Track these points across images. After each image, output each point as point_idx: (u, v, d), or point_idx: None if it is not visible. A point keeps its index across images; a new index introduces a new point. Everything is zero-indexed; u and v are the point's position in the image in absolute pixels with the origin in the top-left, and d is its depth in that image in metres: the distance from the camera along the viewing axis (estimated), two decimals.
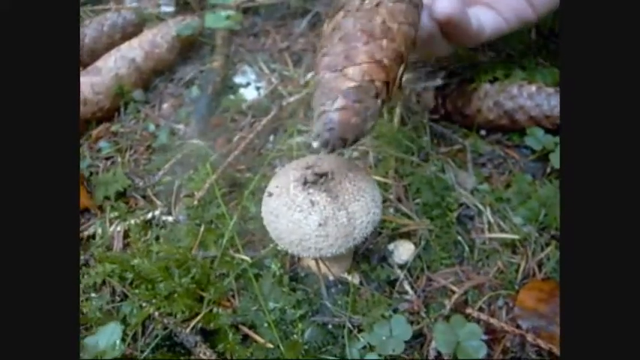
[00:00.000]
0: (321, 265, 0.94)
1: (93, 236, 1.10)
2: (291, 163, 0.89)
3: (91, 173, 1.23)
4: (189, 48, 1.50)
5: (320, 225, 0.79)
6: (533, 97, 1.18)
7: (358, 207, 0.81)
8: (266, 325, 0.90)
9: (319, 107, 0.76)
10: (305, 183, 0.82)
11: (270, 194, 0.84)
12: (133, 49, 1.41)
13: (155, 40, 1.43)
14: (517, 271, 1.02)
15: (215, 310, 0.92)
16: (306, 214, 0.79)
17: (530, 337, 0.89)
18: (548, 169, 1.15)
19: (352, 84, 0.76)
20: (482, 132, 1.25)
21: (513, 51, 1.34)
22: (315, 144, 0.76)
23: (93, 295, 1.00)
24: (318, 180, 0.82)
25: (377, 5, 0.82)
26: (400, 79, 0.84)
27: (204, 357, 0.87)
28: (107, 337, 0.89)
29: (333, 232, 0.79)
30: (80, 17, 1.58)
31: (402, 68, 0.83)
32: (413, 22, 0.85)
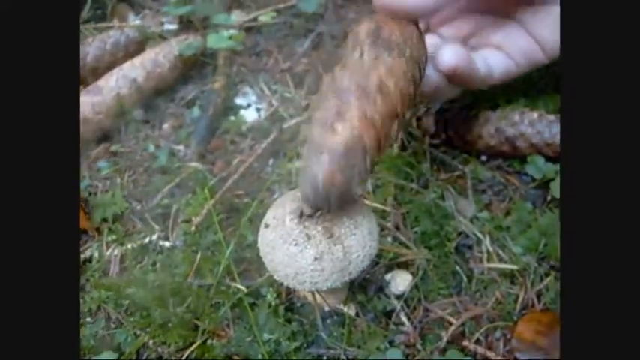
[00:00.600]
0: (317, 295, 0.94)
1: (90, 259, 1.09)
2: (287, 194, 0.88)
3: (90, 194, 1.22)
4: (191, 67, 1.50)
5: (315, 259, 0.78)
6: (535, 124, 1.17)
7: (354, 241, 0.80)
8: (260, 356, 0.89)
9: (305, 163, 0.75)
10: (301, 216, 0.81)
11: (267, 226, 0.84)
12: (135, 69, 1.40)
13: (157, 59, 1.43)
14: (515, 301, 1.00)
15: (210, 341, 0.91)
16: (302, 248, 0.79)
17: None
18: (549, 198, 1.14)
19: (340, 140, 0.73)
20: (483, 158, 1.24)
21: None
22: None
23: (88, 319, 0.99)
24: (314, 213, 0.81)
25: (375, 60, 0.80)
26: (396, 135, 0.83)
27: None
28: None
29: (328, 267, 0.79)
30: (83, 35, 1.58)
31: (395, 124, 0.81)
32: (413, 77, 0.84)
